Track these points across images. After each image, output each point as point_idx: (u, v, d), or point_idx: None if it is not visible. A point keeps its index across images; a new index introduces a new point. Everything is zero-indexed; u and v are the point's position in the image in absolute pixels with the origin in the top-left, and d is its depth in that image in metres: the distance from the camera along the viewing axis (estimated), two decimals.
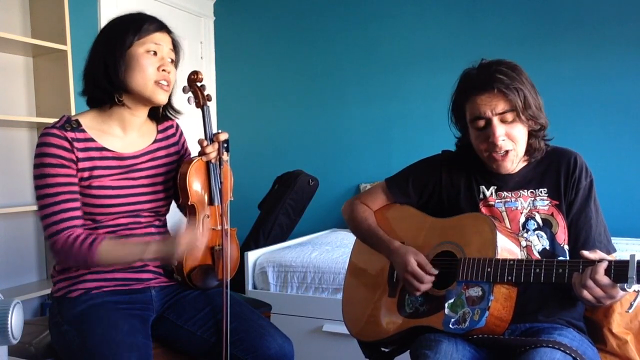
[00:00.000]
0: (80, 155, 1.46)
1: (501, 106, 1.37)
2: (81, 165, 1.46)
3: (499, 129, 1.38)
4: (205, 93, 1.62)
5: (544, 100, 1.43)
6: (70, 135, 1.45)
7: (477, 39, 3.49)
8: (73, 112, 2.75)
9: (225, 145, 1.56)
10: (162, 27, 1.55)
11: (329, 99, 3.96)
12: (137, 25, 1.50)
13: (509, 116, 1.38)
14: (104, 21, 3.20)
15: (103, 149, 1.51)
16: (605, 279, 1.19)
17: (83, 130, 1.48)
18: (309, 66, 4.01)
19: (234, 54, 4.26)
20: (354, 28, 3.85)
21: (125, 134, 1.56)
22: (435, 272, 1.43)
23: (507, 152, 1.41)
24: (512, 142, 1.40)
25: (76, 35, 2.86)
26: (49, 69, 2.86)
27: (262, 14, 4.15)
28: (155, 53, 1.50)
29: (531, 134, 1.43)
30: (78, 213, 1.46)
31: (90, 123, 1.51)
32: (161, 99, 1.52)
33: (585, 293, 1.21)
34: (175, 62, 1.57)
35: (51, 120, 2.66)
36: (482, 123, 1.40)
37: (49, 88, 2.86)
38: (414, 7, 3.68)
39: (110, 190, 1.50)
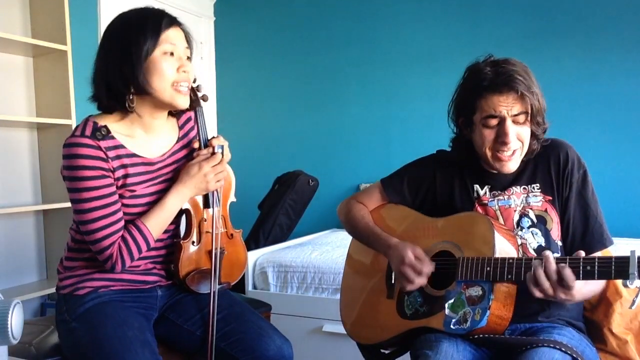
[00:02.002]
0: (115, 164, 1.41)
1: (517, 108, 1.36)
2: (116, 174, 1.42)
3: (512, 129, 1.37)
4: (201, 94, 1.55)
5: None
6: (103, 144, 1.39)
7: (477, 38, 3.49)
8: (73, 113, 2.75)
9: (221, 150, 1.51)
10: (173, 22, 1.45)
11: (329, 99, 3.96)
12: (153, 25, 1.40)
13: (522, 118, 1.38)
14: (104, 21, 3.21)
15: (133, 155, 1.45)
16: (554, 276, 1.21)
17: (112, 137, 1.41)
18: (309, 66, 4.01)
19: (234, 54, 4.26)
20: (354, 28, 3.85)
21: (150, 137, 1.50)
22: (433, 263, 1.42)
23: (513, 152, 1.40)
24: (520, 142, 1.40)
25: (76, 35, 2.86)
26: (49, 69, 2.86)
27: (262, 14, 4.15)
28: (172, 53, 1.42)
29: (533, 136, 1.42)
30: (123, 221, 1.43)
31: (118, 128, 1.44)
32: (181, 103, 1.45)
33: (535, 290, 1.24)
34: (190, 58, 1.48)
35: (51, 121, 2.61)
36: (494, 122, 1.38)
37: (49, 88, 2.86)
38: (414, 7, 3.68)
39: (141, 198, 1.46)
